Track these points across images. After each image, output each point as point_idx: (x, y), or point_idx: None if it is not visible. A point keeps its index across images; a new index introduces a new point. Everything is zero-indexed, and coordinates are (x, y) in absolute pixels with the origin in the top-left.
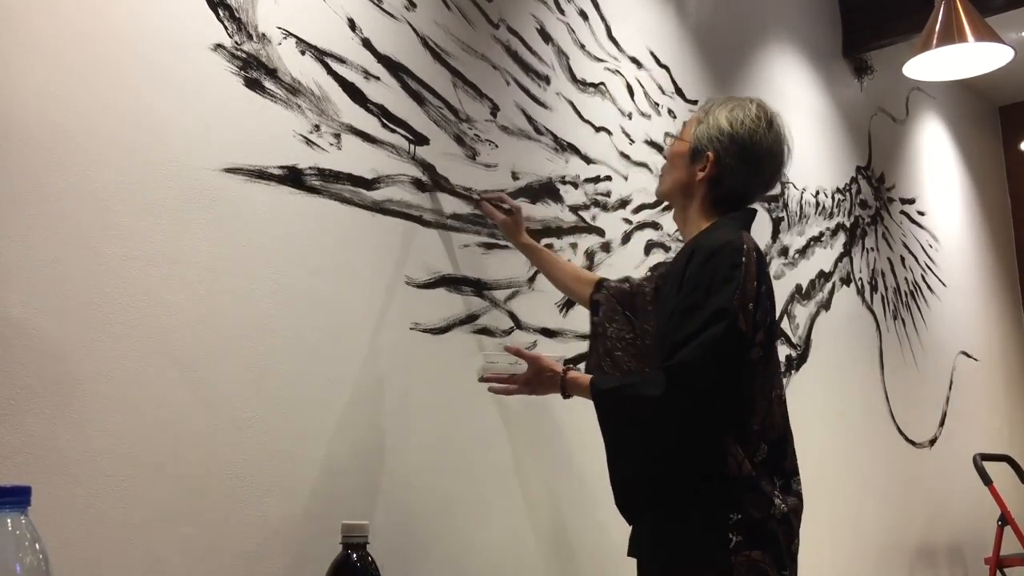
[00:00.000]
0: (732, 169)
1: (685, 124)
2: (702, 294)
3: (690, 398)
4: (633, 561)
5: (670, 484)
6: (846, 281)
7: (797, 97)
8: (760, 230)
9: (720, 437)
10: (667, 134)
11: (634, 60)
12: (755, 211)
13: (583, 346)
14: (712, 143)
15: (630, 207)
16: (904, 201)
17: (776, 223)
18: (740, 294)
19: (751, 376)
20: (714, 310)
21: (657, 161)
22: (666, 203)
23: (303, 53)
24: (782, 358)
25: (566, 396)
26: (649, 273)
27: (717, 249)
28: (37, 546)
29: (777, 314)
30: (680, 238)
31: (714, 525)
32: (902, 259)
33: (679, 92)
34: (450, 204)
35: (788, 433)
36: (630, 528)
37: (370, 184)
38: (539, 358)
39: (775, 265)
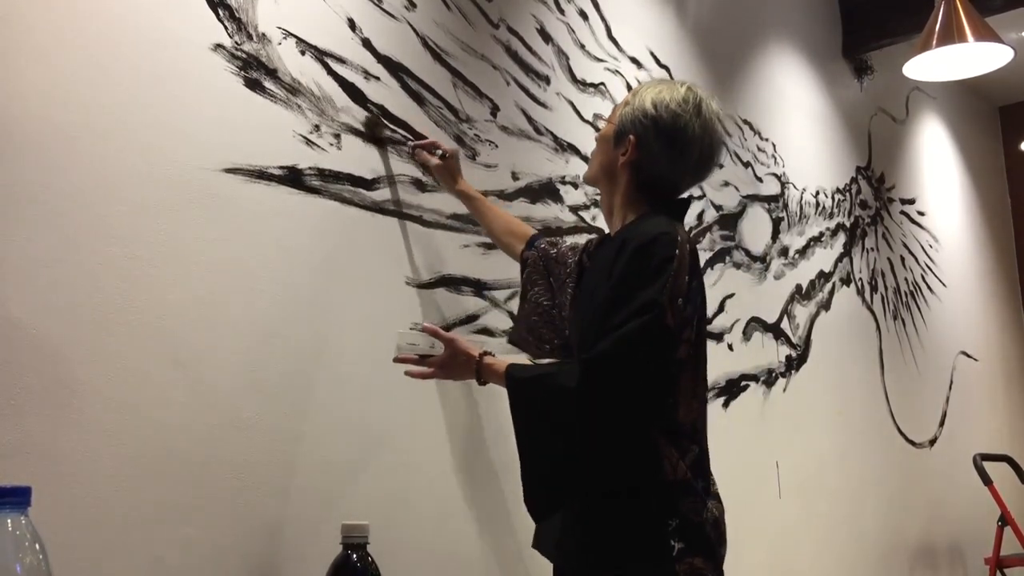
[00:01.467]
0: (653, 154)
1: (614, 108)
2: (630, 286)
3: (605, 391)
4: None
5: (581, 482)
6: (846, 281)
7: (797, 97)
8: (760, 230)
9: (651, 437)
10: (596, 115)
11: (634, 60)
12: (687, 201)
13: None
14: (635, 126)
15: None
16: (904, 201)
17: (776, 223)
18: (670, 288)
19: (677, 374)
20: (641, 303)
21: None
22: None
23: (303, 53)
24: (782, 358)
25: (481, 382)
26: (578, 244)
27: (650, 241)
28: (37, 546)
29: (779, 301)
30: None
31: (654, 531)
32: (902, 259)
33: None
34: (450, 204)
35: (704, 433)
36: None
37: (370, 184)
38: (455, 340)
39: (775, 265)
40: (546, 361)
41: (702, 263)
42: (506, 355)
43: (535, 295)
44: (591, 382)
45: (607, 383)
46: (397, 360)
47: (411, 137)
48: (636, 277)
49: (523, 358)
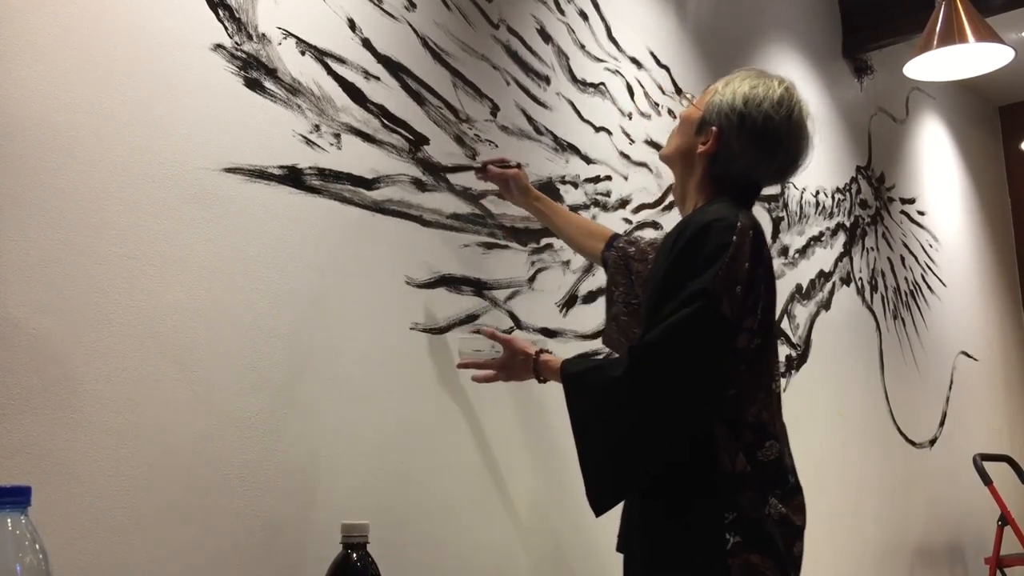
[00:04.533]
0: (733, 151)
1: (706, 90)
2: (681, 274)
3: (652, 381)
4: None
5: (637, 473)
6: (846, 281)
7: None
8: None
9: (711, 429)
10: (683, 96)
11: (634, 60)
12: (759, 188)
13: (584, 346)
14: (720, 118)
15: (630, 207)
16: (904, 201)
17: (776, 223)
18: (725, 276)
19: (738, 364)
20: (691, 292)
21: (657, 161)
22: (669, 201)
23: (303, 53)
24: (782, 358)
25: (540, 380)
26: (657, 239)
27: (703, 228)
28: (37, 546)
29: (779, 301)
30: None
31: (709, 524)
32: (902, 259)
33: (679, 92)
34: (450, 204)
35: (783, 427)
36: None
37: (370, 184)
38: (512, 341)
39: (775, 265)
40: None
41: None
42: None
43: (620, 295)
44: (638, 372)
45: (654, 373)
46: (461, 366)
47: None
48: (688, 265)
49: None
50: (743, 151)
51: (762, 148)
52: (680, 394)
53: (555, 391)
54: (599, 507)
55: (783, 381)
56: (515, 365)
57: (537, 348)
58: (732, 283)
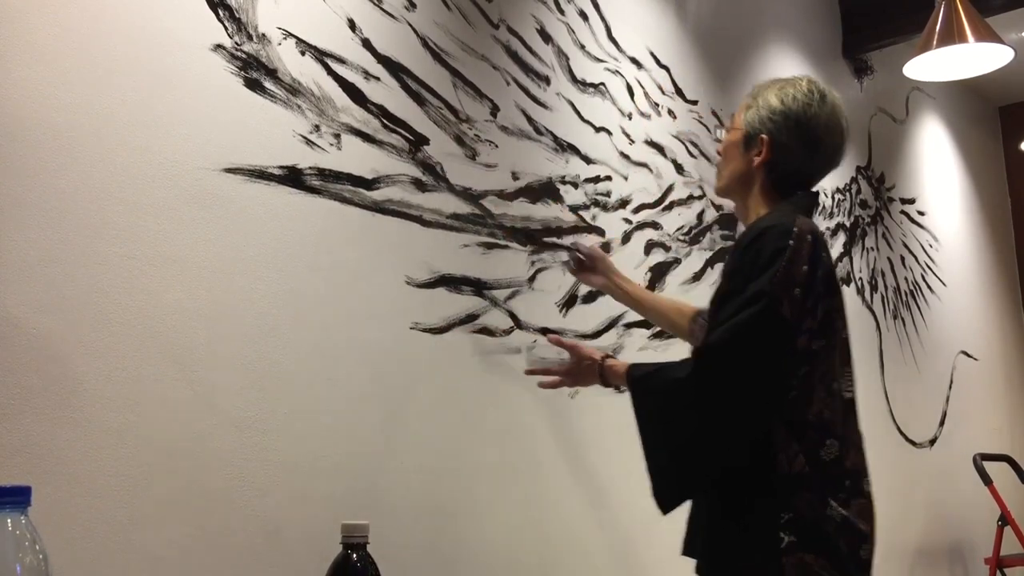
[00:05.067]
0: (789, 149)
1: (733, 115)
2: (739, 279)
3: (715, 382)
4: (630, 562)
5: (701, 474)
6: (846, 281)
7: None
8: None
9: (770, 430)
10: (716, 139)
11: (634, 60)
12: (817, 195)
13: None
14: (764, 125)
15: (630, 207)
16: (904, 201)
17: None
18: (782, 278)
19: (799, 365)
20: (750, 294)
21: (657, 161)
22: (669, 201)
23: (303, 53)
24: None
25: (606, 384)
26: None
27: (759, 234)
28: (37, 546)
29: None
30: (679, 237)
31: (765, 523)
32: (902, 259)
33: (679, 92)
34: (450, 204)
35: (852, 430)
36: (629, 528)
37: (370, 184)
38: (577, 347)
39: None
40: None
41: (701, 263)
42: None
43: None
44: (700, 373)
45: (716, 374)
46: (528, 372)
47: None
48: (746, 270)
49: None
50: (796, 146)
51: (811, 135)
52: (742, 395)
53: (552, 392)
54: (664, 507)
55: None
56: (581, 371)
57: (602, 354)
58: (790, 285)
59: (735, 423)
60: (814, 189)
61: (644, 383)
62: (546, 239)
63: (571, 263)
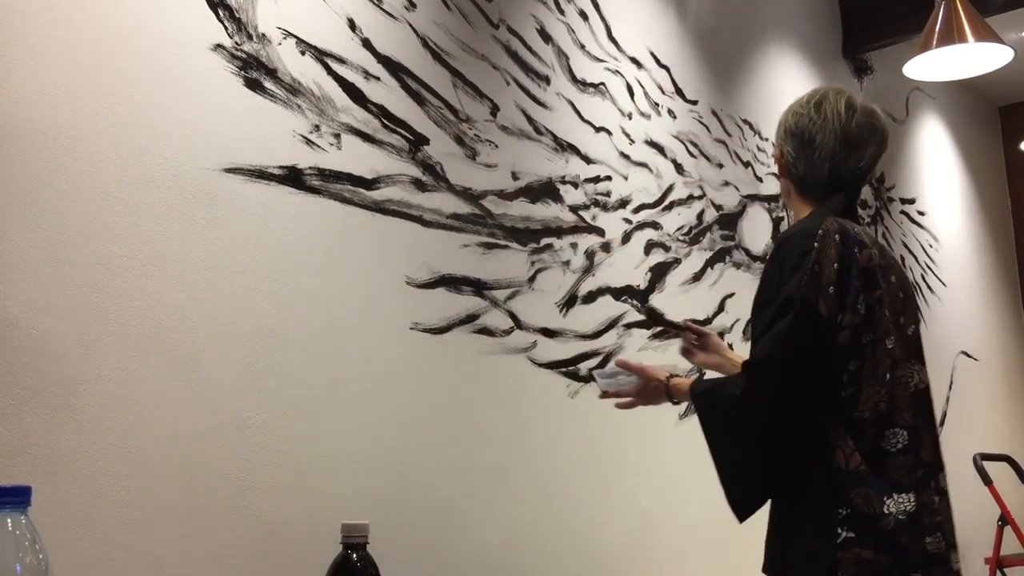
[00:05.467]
0: (793, 158)
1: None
2: (774, 287)
3: (768, 392)
4: (627, 562)
5: (768, 479)
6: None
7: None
8: (760, 230)
9: (827, 428)
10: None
11: (634, 60)
12: (850, 194)
13: (584, 346)
14: (778, 141)
15: (630, 207)
16: (904, 201)
17: (776, 223)
18: (812, 279)
19: (847, 360)
20: (782, 301)
21: (657, 161)
22: (669, 201)
23: (303, 53)
24: None
25: (674, 402)
26: None
27: (785, 240)
28: (37, 546)
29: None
30: (679, 237)
31: (823, 519)
32: (902, 259)
33: (679, 92)
34: (450, 204)
35: (923, 423)
36: (629, 528)
37: (370, 184)
38: (643, 369)
39: None
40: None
41: (701, 263)
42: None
43: None
44: (754, 385)
45: (766, 385)
46: (603, 396)
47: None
48: (775, 278)
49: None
50: (797, 153)
51: (805, 141)
52: (794, 401)
53: (552, 392)
54: (740, 514)
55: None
56: (649, 391)
57: (668, 373)
58: (823, 284)
59: (792, 429)
60: (849, 190)
61: (705, 399)
62: (546, 239)
63: (682, 344)
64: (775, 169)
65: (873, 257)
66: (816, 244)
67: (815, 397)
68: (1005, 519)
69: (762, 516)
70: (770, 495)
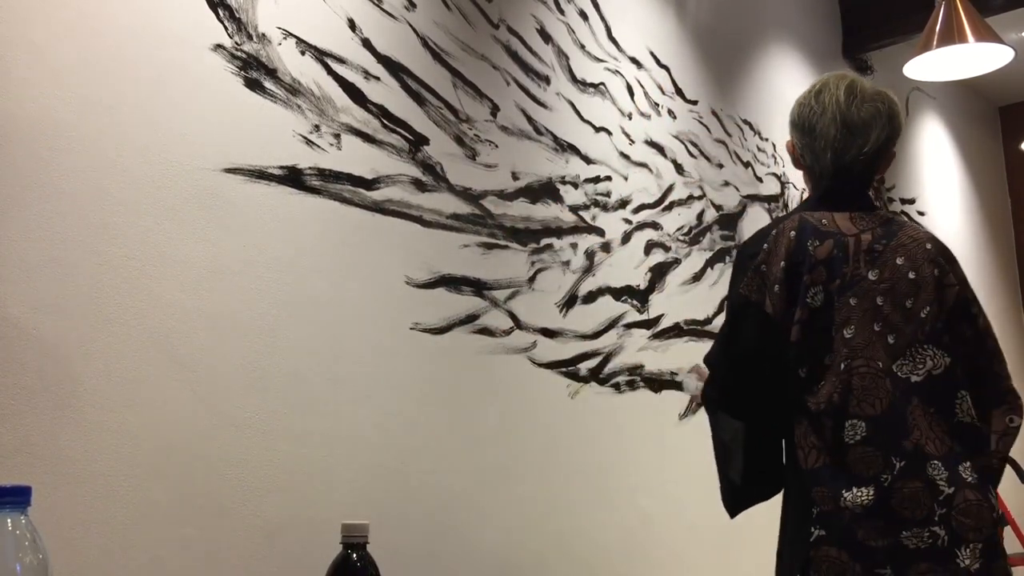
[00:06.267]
0: (801, 150)
1: None
2: (729, 288)
3: (715, 391)
4: (627, 562)
5: (734, 476)
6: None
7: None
8: None
9: (795, 426)
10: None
11: (634, 60)
12: (831, 184)
13: (584, 346)
14: (790, 134)
15: (630, 207)
16: (904, 201)
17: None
18: (756, 279)
19: (801, 356)
20: (728, 304)
21: (657, 161)
22: (669, 202)
23: (303, 53)
24: None
25: None
26: None
27: (741, 244)
28: (37, 546)
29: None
30: (679, 237)
31: (800, 518)
32: None
33: (679, 92)
34: (450, 204)
35: (916, 410)
36: (628, 529)
37: (370, 184)
38: (698, 366)
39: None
40: None
41: (701, 263)
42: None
43: None
44: (706, 385)
45: (713, 383)
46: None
47: None
48: (731, 282)
49: None
50: (801, 144)
51: (806, 130)
52: (741, 397)
53: (552, 392)
54: (727, 509)
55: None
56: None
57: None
58: (769, 283)
59: (750, 425)
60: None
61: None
62: (546, 239)
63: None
64: (775, 169)
65: (847, 246)
66: (766, 245)
67: (766, 393)
68: (1005, 519)
69: (757, 516)
70: (747, 491)
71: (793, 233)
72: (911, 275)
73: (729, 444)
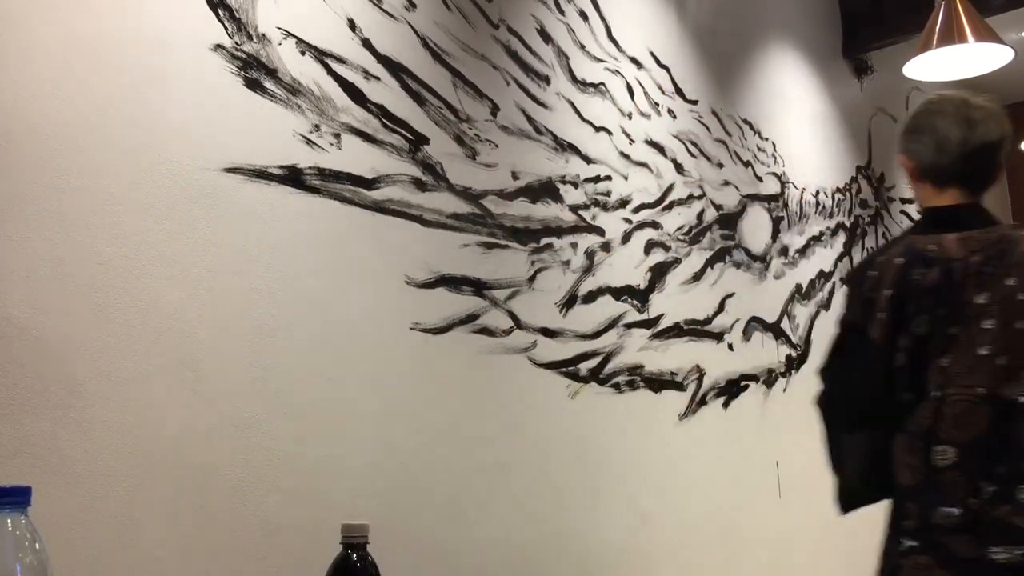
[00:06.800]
0: (909, 155)
1: None
2: (841, 310)
3: (821, 400)
4: (627, 562)
5: (837, 478)
6: (846, 281)
7: (797, 97)
8: (760, 230)
9: (895, 443)
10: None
11: (634, 60)
12: (942, 208)
13: (584, 346)
14: (899, 148)
15: (630, 207)
16: (904, 201)
17: (776, 222)
18: (864, 307)
19: (906, 380)
20: (837, 324)
21: (657, 161)
22: (669, 201)
23: (303, 53)
24: (782, 358)
25: None
26: None
27: (853, 269)
28: (37, 546)
29: (778, 301)
30: (679, 237)
31: (894, 528)
32: None
33: (679, 92)
34: (450, 204)
35: (992, 431)
36: (628, 529)
37: (370, 184)
38: None
39: (775, 265)
40: None
41: (701, 263)
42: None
43: None
44: (816, 395)
45: (820, 394)
46: None
47: None
48: (843, 304)
49: None
50: (911, 151)
51: (915, 138)
52: (841, 410)
53: (552, 392)
54: (841, 511)
55: (782, 381)
56: None
57: None
58: (875, 311)
59: (852, 435)
60: (953, 202)
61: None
62: (546, 239)
63: None
64: (775, 168)
65: (953, 272)
66: (874, 272)
67: (875, 411)
68: None
69: (755, 518)
70: (861, 493)
71: (900, 260)
72: (1020, 296)
73: (844, 451)
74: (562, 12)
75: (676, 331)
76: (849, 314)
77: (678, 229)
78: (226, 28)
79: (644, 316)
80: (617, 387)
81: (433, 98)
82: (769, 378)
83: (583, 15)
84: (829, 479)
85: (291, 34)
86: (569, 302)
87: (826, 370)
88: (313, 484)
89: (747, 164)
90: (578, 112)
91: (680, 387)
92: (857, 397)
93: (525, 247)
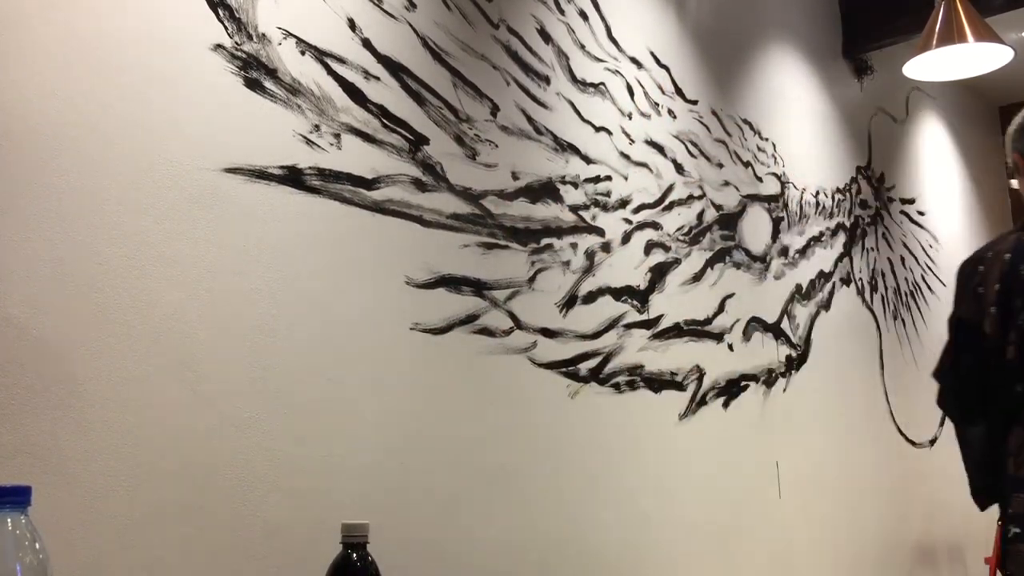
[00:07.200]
0: (1021, 150)
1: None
2: (953, 305)
3: (949, 405)
4: (627, 562)
5: (979, 476)
6: (846, 281)
7: (797, 97)
8: (760, 230)
9: (1010, 435)
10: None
11: (634, 60)
12: None
13: (584, 346)
14: (1012, 147)
15: (630, 207)
16: (904, 201)
17: (776, 223)
18: (975, 301)
19: (1017, 373)
20: (949, 321)
21: (657, 161)
22: (669, 202)
23: (303, 53)
24: (782, 358)
25: None
26: None
27: (961, 264)
28: (37, 546)
29: (778, 302)
30: (679, 237)
31: (1004, 515)
32: (902, 259)
33: (679, 92)
34: (450, 204)
35: None
36: (628, 529)
37: (370, 184)
38: None
39: (775, 265)
40: None
41: (701, 263)
42: None
43: None
44: (940, 399)
45: (940, 391)
46: None
47: None
48: (955, 298)
49: None
50: (1018, 148)
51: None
52: (960, 405)
53: (552, 393)
54: (980, 506)
55: (782, 381)
56: None
57: None
58: (986, 305)
59: (973, 430)
60: None
61: None
62: (546, 239)
63: None
64: (775, 169)
65: None
66: (982, 267)
67: (983, 405)
68: None
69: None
70: (977, 491)
71: (1008, 256)
72: None
73: (975, 447)
74: (562, 12)
75: (676, 331)
76: (961, 310)
77: (678, 229)
78: (226, 28)
79: (644, 316)
80: (617, 387)
81: (433, 98)
82: (769, 378)
83: (583, 15)
84: (829, 479)
85: (291, 34)
86: (569, 302)
87: (942, 369)
88: (313, 484)
89: (747, 164)
90: (578, 112)
91: (680, 387)
92: (974, 392)
93: (525, 247)
